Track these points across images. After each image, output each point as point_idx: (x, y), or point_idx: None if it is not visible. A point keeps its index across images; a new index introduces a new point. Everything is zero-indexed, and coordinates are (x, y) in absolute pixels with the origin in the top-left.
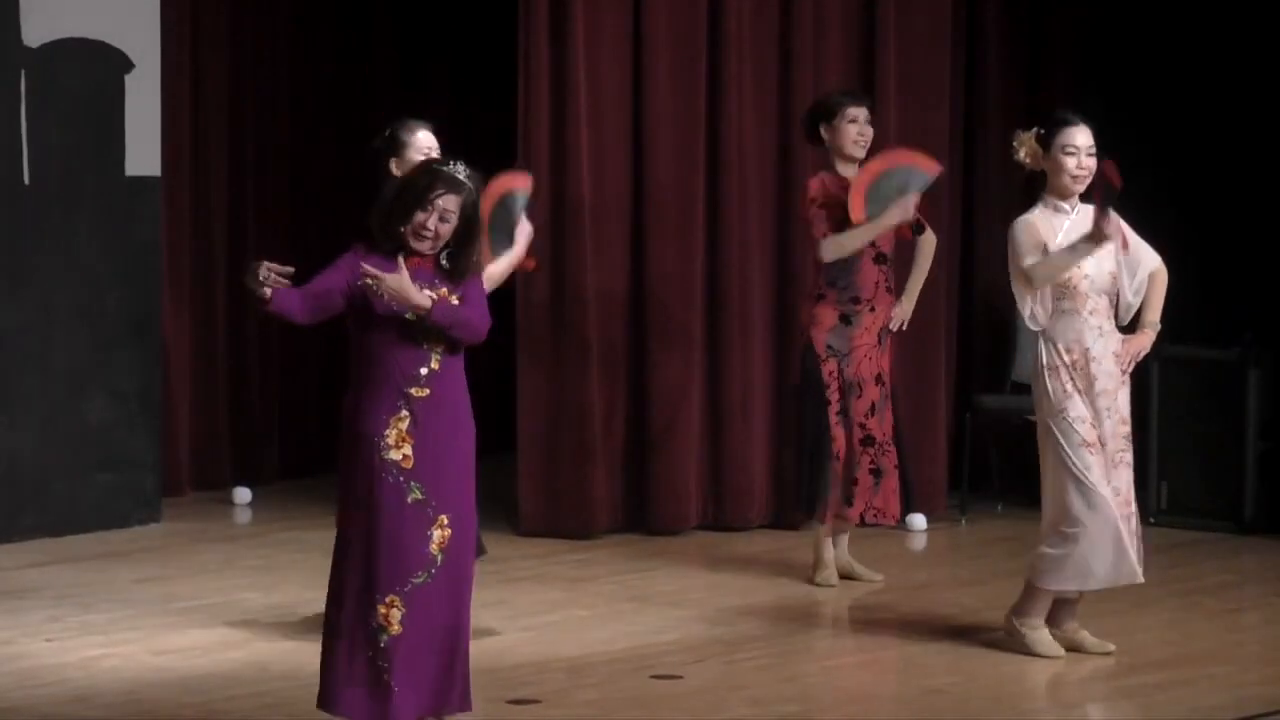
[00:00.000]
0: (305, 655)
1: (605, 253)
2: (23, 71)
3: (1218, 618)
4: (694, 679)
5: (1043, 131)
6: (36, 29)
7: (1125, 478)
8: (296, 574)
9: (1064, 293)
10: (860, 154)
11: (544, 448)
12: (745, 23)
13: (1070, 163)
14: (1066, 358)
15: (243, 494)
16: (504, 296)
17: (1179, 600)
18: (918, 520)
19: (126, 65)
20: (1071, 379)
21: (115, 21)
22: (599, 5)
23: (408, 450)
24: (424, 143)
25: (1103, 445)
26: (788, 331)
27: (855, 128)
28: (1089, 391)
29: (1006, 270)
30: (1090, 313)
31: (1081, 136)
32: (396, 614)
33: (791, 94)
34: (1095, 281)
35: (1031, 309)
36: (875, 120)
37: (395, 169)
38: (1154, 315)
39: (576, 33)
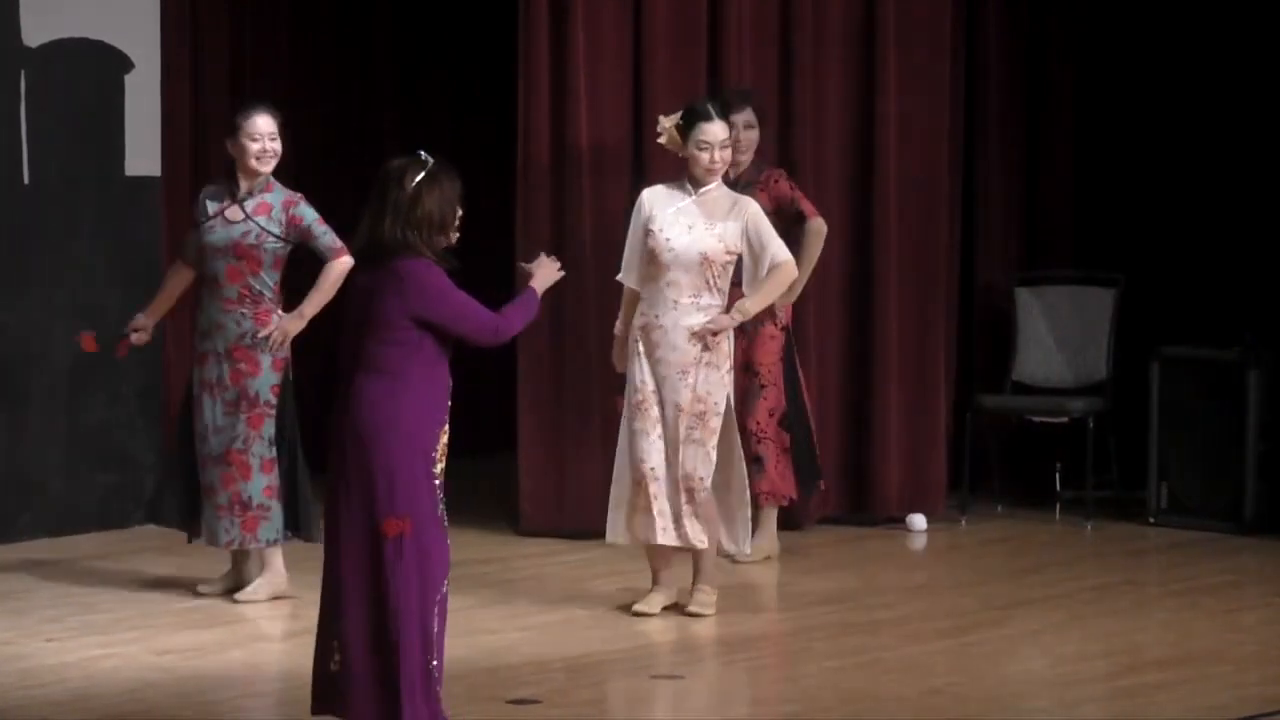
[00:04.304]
0: (305, 655)
1: (607, 257)
2: (23, 71)
3: (1218, 618)
4: (694, 679)
5: (681, 123)
6: (36, 29)
7: (691, 455)
8: (296, 574)
9: (650, 259)
10: (744, 156)
11: (544, 447)
12: (745, 23)
13: (704, 157)
14: (639, 320)
15: None
16: (505, 299)
17: (1179, 600)
18: (918, 520)
19: (126, 65)
20: (638, 342)
21: (115, 21)
22: (599, 5)
23: (443, 463)
24: (261, 128)
25: (664, 415)
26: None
27: (733, 131)
28: (649, 356)
29: (1006, 270)
30: (667, 284)
31: (716, 131)
32: (441, 619)
33: (791, 95)
34: (680, 257)
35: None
36: (877, 119)
37: (229, 149)
38: (748, 302)
39: (576, 33)
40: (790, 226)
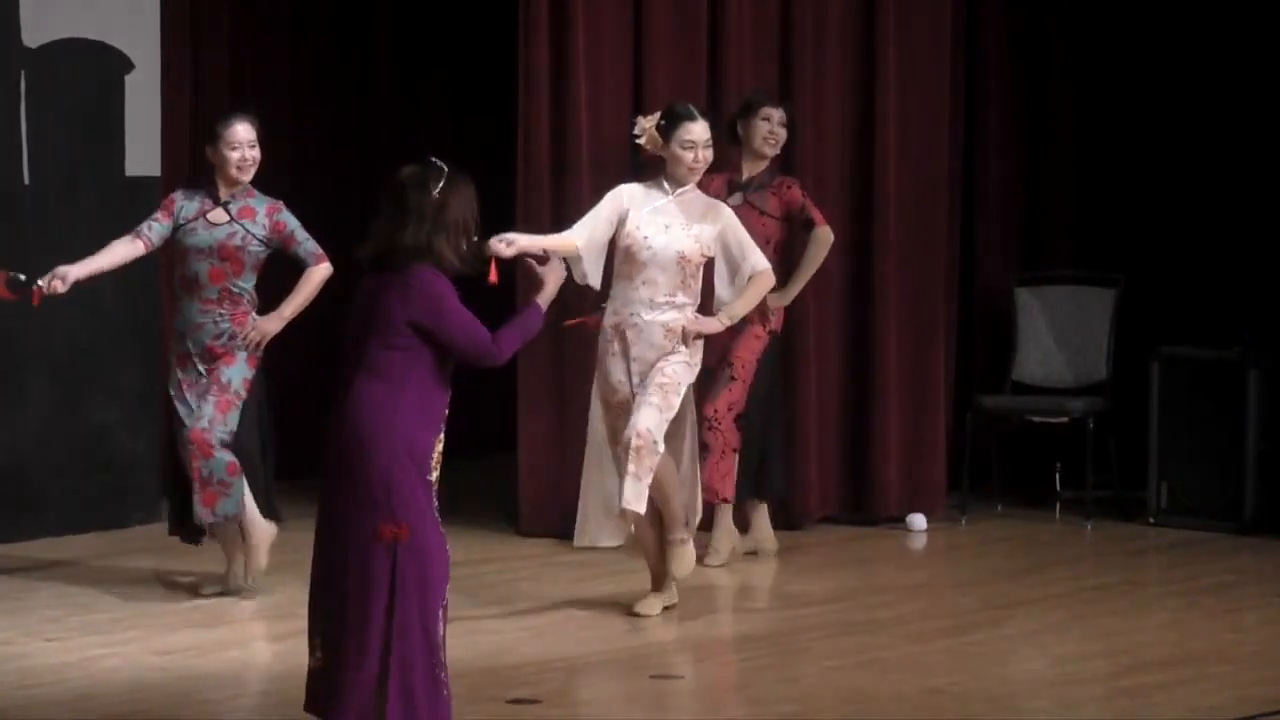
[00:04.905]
0: (304, 655)
1: (606, 258)
2: (23, 71)
3: (1218, 618)
4: (694, 679)
5: (663, 123)
6: (36, 29)
7: (645, 416)
8: (296, 574)
9: (625, 257)
10: (771, 152)
11: (544, 447)
12: (745, 23)
13: (688, 156)
14: (611, 319)
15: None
16: (507, 299)
17: (1179, 600)
18: (918, 520)
19: (126, 65)
20: (614, 340)
21: (115, 21)
22: (599, 6)
23: (438, 472)
24: (242, 136)
25: (632, 397)
26: (787, 329)
27: (767, 125)
28: (624, 355)
29: (1006, 270)
30: (643, 283)
31: (699, 130)
32: (444, 624)
33: (791, 95)
34: (658, 256)
35: (581, 269)
36: (877, 119)
37: (209, 156)
38: (734, 307)
39: (576, 33)
40: (797, 233)
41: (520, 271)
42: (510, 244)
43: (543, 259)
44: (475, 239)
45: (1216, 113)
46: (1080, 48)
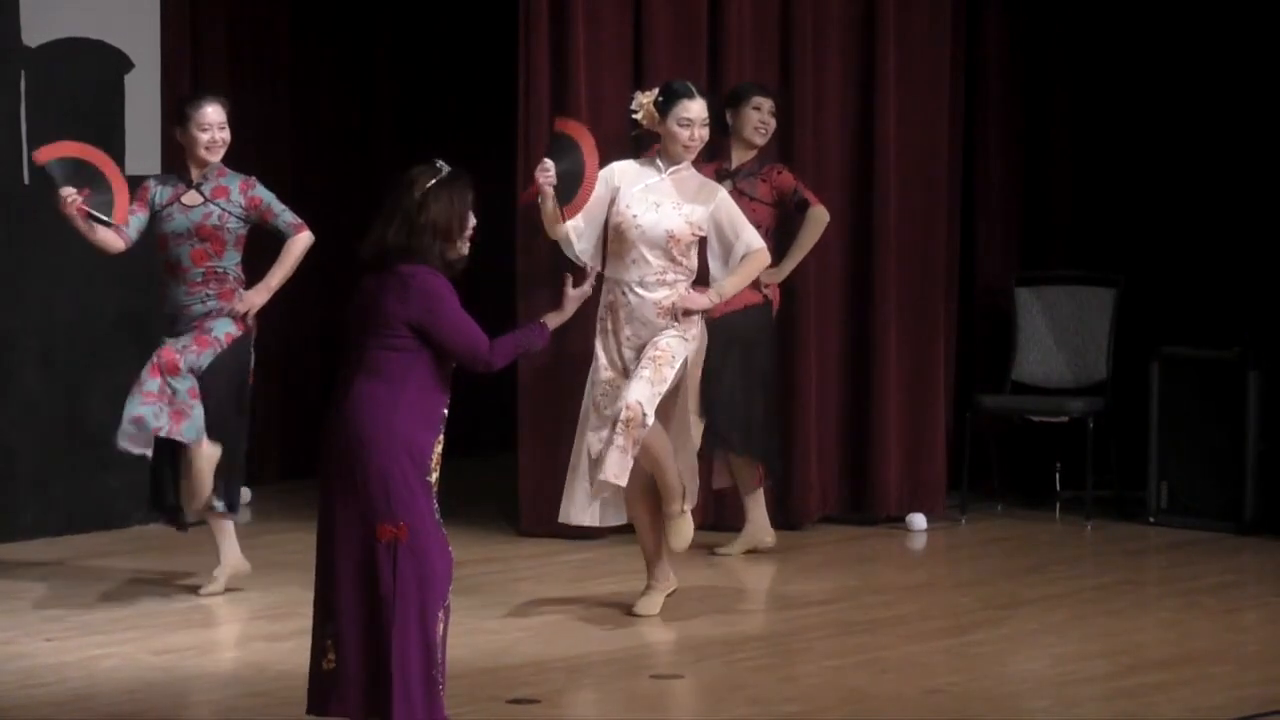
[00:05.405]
0: (303, 655)
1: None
2: (22, 71)
3: (1218, 618)
4: (694, 679)
5: (661, 99)
6: (36, 29)
7: (636, 388)
8: (296, 574)
9: (615, 235)
10: (760, 141)
11: (544, 448)
12: (745, 23)
13: (684, 134)
14: (605, 298)
15: (243, 494)
16: (506, 301)
17: (1179, 600)
18: (918, 520)
19: (126, 65)
20: (607, 318)
21: (115, 21)
22: (599, 6)
23: (437, 472)
24: (211, 118)
25: (626, 375)
26: (787, 328)
27: (758, 115)
28: (616, 333)
29: (1006, 270)
30: (633, 261)
31: (696, 109)
32: (444, 627)
33: (791, 94)
34: (646, 233)
35: (574, 250)
36: (877, 118)
37: (179, 138)
38: (725, 284)
39: (577, 33)
40: (792, 217)
41: (522, 281)
42: (545, 176)
43: (580, 277)
44: (464, 242)
45: (1216, 113)
46: (1080, 48)
